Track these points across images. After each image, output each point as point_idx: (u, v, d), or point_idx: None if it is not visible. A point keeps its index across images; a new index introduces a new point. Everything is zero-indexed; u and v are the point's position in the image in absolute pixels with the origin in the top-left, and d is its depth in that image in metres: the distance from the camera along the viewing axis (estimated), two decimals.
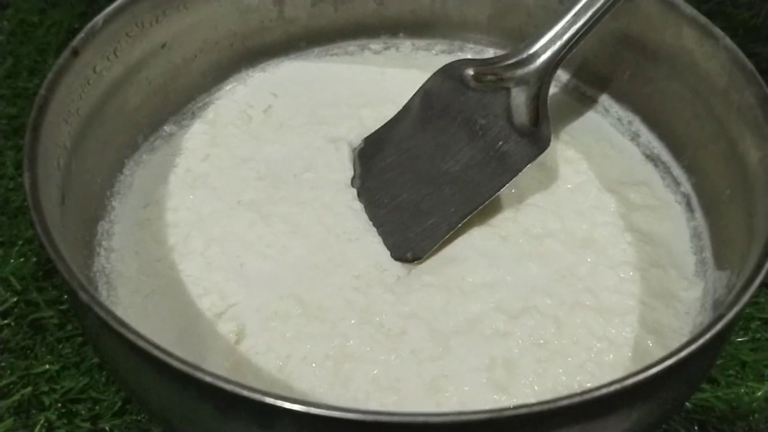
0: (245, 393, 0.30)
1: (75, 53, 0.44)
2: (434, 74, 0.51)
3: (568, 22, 0.49)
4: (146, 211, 0.49)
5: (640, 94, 0.54)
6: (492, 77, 0.50)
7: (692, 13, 0.48)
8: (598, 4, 0.48)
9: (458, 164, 0.48)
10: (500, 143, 0.48)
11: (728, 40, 0.46)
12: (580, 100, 0.58)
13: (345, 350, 0.41)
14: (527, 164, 0.47)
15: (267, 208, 0.48)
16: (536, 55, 0.49)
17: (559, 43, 0.49)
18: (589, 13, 0.48)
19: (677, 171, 0.52)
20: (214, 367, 0.40)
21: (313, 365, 0.41)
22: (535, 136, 0.48)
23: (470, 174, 0.48)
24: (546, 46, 0.49)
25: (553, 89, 0.58)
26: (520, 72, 0.49)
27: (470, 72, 0.50)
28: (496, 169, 0.47)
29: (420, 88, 0.51)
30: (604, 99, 0.57)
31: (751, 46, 0.70)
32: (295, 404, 0.30)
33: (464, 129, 0.49)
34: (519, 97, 0.49)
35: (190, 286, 0.44)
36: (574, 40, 0.49)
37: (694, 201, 0.50)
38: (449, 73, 0.50)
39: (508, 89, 0.49)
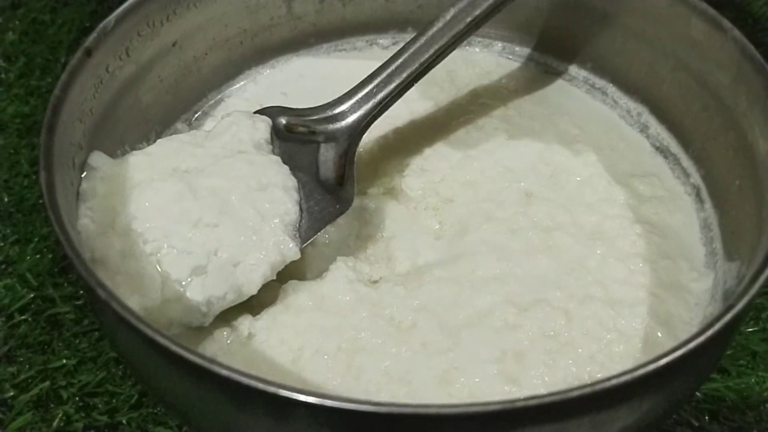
0: (260, 386, 0.30)
1: (88, 53, 0.44)
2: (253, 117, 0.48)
3: (380, 82, 0.48)
4: None
5: (648, 85, 0.54)
6: (303, 129, 0.49)
7: (701, 5, 0.48)
8: (413, 67, 0.48)
9: None
10: (306, 198, 0.46)
11: (737, 32, 0.46)
12: (589, 92, 0.58)
13: (357, 343, 0.42)
14: (326, 224, 0.46)
15: None
16: (346, 113, 0.48)
17: (369, 104, 0.48)
18: (404, 75, 0.48)
19: (687, 162, 0.52)
20: (228, 360, 0.41)
21: (326, 357, 0.41)
22: (339, 196, 0.47)
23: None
24: (357, 105, 0.48)
25: (562, 81, 0.59)
26: (331, 128, 0.48)
27: (282, 121, 0.49)
28: (305, 222, 0.45)
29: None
30: (613, 91, 0.57)
31: (760, 35, 0.69)
32: (309, 396, 0.30)
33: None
34: (328, 153, 0.48)
35: None
36: (385, 102, 0.48)
37: (704, 192, 0.50)
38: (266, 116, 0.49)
39: (318, 143, 0.48)
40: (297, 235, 0.44)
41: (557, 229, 0.48)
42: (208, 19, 0.53)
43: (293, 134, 0.49)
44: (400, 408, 0.31)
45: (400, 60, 0.48)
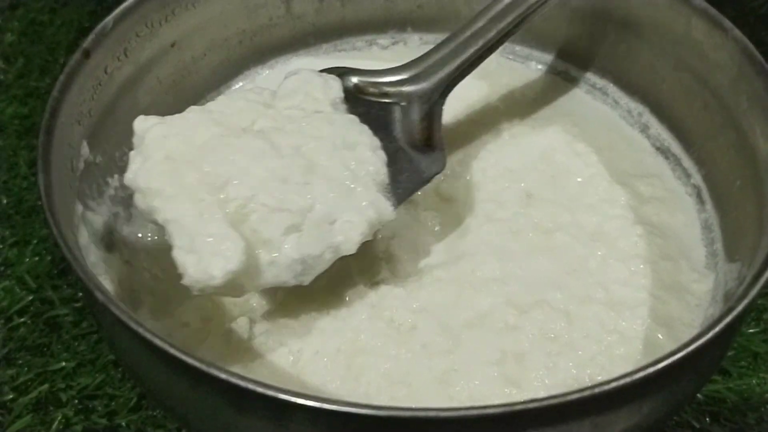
0: (260, 390, 0.30)
1: (86, 55, 0.44)
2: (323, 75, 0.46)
3: (459, 45, 0.47)
4: None
5: (649, 85, 0.54)
6: (374, 90, 0.47)
7: (701, 4, 0.48)
8: (501, 26, 0.47)
9: None
10: (390, 159, 0.43)
11: (737, 32, 0.46)
12: (590, 92, 0.58)
13: (356, 345, 0.42)
14: (417, 188, 0.44)
15: None
16: (422, 75, 0.47)
17: (449, 67, 0.47)
18: (491, 34, 0.47)
19: (687, 162, 0.52)
20: (229, 362, 0.41)
21: (325, 359, 0.41)
22: (428, 158, 0.45)
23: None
24: (434, 67, 0.47)
25: (562, 81, 0.58)
26: (407, 90, 0.47)
27: (352, 81, 0.47)
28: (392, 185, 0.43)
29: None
30: (614, 91, 0.57)
31: (762, 33, 0.69)
32: (309, 400, 0.30)
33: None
34: (407, 116, 0.46)
35: None
36: (464, 67, 0.47)
37: (705, 193, 0.50)
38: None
39: (391, 105, 0.47)
40: (389, 197, 0.42)
41: (558, 230, 0.48)
42: (206, 20, 0.53)
43: (363, 96, 0.47)
44: (399, 412, 0.31)
45: (479, 24, 0.47)
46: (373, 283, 0.45)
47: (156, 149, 0.40)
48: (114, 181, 0.48)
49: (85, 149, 0.44)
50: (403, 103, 0.47)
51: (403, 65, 0.48)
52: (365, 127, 0.44)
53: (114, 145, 0.48)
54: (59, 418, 0.47)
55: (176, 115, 0.42)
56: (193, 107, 0.43)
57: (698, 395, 0.48)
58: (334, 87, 0.45)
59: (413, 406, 0.38)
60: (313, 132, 0.42)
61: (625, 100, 0.56)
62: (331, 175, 0.41)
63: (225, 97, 0.45)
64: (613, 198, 0.50)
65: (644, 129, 0.55)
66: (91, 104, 0.45)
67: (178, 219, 0.38)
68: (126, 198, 0.49)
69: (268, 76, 0.58)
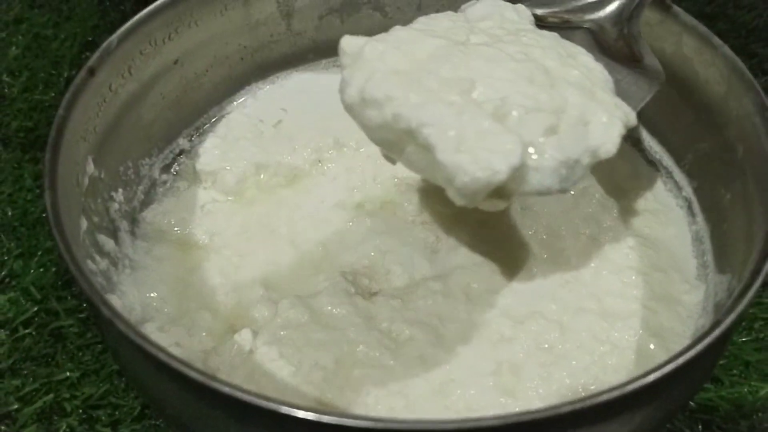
0: (259, 402, 0.31)
1: (91, 73, 0.45)
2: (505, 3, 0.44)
3: None
4: (166, 226, 0.50)
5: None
6: (555, 20, 0.46)
7: (691, 21, 0.48)
8: None
9: None
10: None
11: (727, 49, 0.46)
12: None
13: (354, 356, 0.42)
14: (640, 101, 0.42)
15: None
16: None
17: None
18: None
19: (679, 176, 0.53)
20: (230, 374, 0.42)
21: (324, 371, 0.42)
22: (642, 70, 0.43)
23: None
24: None
25: None
26: (591, 17, 0.46)
27: (537, 12, 0.45)
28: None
29: None
30: None
31: (753, 47, 0.70)
32: (309, 412, 0.31)
33: None
34: (599, 39, 0.45)
35: (208, 298, 0.46)
36: None
37: (696, 205, 0.51)
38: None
39: (575, 30, 0.45)
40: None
41: (552, 242, 0.49)
42: (209, 37, 0.54)
43: (545, 23, 0.45)
44: (396, 424, 0.32)
45: None
46: (370, 295, 0.46)
47: (379, 63, 0.38)
48: (118, 196, 0.49)
49: (90, 165, 0.45)
50: (590, 27, 0.45)
51: None
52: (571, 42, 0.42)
53: (118, 160, 0.49)
54: (64, 427, 0.48)
55: (384, 34, 0.40)
56: (397, 26, 0.41)
57: (691, 403, 0.49)
58: (523, 12, 0.44)
59: (411, 416, 0.40)
60: (532, 42, 0.40)
61: None
62: (568, 79, 0.38)
63: (426, 18, 0.42)
64: (606, 210, 0.50)
65: (636, 143, 0.55)
66: (96, 121, 0.46)
67: (436, 121, 0.35)
68: (130, 212, 0.50)
69: (269, 91, 0.58)
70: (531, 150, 0.36)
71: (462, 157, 0.35)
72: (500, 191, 0.36)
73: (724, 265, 0.46)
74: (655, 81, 0.43)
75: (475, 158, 0.35)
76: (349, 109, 0.39)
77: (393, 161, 0.41)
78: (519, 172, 0.36)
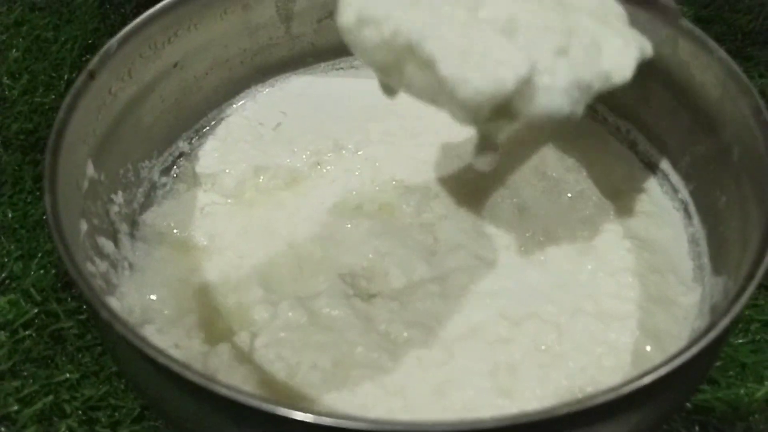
0: (258, 404, 0.31)
1: (91, 76, 0.45)
2: None
3: None
4: (166, 228, 0.50)
5: (636, 104, 0.55)
6: None
7: (687, 26, 0.49)
8: None
9: None
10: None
11: (722, 52, 0.47)
12: None
13: (352, 358, 0.43)
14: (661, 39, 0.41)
15: None
16: None
17: None
18: None
19: (675, 178, 0.53)
20: (229, 376, 0.42)
21: (322, 373, 0.42)
22: (657, 8, 0.42)
23: None
24: None
25: None
26: None
27: None
28: None
29: None
30: (603, 109, 0.57)
31: (749, 50, 0.70)
32: (307, 414, 0.31)
33: None
34: None
35: (208, 300, 0.46)
36: None
37: (692, 208, 0.51)
38: None
39: None
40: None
41: (549, 244, 0.49)
42: (209, 40, 0.54)
43: None
44: (394, 425, 0.32)
45: None
46: (369, 296, 0.46)
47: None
48: (118, 198, 0.49)
49: (90, 168, 0.45)
50: None
51: None
52: None
53: (117, 162, 0.50)
54: (64, 429, 0.48)
55: None
56: None
57: (687, 405, 0.49)
58: None
59: (409, 417, 0.40)
60: None
61: (612, 117, 0.57)
62: (578, 6, 0.37)
63: None
64: (603, 212, 0.51)
65: (632, 145, 0.56)
66: (96, 124, 0.46)
67: (440, 35, 0.34)
68: (130, 214, 0.50)
69: (268, 94, 0.59)
70: (540, 67, 0.34)
71: (467, 68, 0.33)
72: (506, 110, 0.34)
73: (720, 267, 0.46)
74: (670, 21, 0.42)
75: (481, 69, 0.33)
76: (346, 32, 0.37)
77: (391, 92, 0.40)
78: (527, 89, 0.34)
